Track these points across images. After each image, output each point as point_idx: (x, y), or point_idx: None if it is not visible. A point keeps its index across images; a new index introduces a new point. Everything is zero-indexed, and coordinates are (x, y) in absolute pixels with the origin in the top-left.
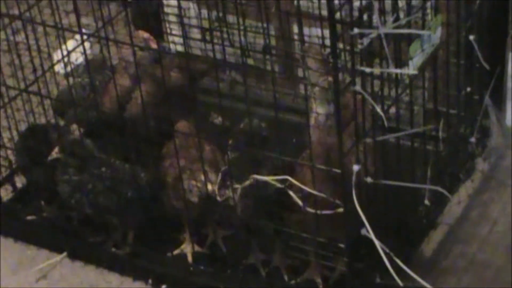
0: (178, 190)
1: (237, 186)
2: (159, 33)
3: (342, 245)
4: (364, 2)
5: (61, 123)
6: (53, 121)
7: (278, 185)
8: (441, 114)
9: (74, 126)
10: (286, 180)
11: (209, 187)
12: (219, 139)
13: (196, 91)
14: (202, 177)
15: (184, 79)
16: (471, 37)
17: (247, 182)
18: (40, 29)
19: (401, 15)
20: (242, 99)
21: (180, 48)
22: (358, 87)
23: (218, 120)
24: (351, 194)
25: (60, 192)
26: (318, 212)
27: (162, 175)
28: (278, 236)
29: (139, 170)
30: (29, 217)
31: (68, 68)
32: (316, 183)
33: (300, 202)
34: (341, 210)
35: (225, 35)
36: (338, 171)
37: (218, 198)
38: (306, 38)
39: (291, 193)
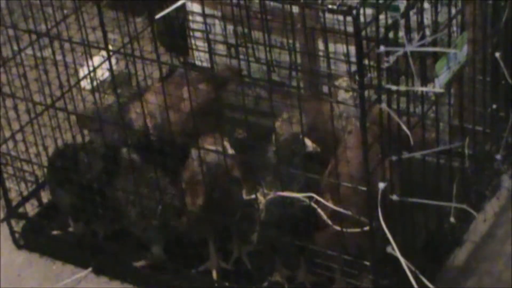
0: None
1: (261, 198)
2: (184, 49)
3: (367, 263)
4: (390, 20)
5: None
6: (79, 137)
7: (305, 200)
8: (467, 131)
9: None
10: (312, 196)
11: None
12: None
13: (222, 106)
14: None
15: (210, 94)
16: (497, 54)
17: (271, 196)
18: (66, 45)
19: (427, 32)
20: (267, 115)
21: (206, 64)
22: (384, 105)
23: (242, 135)
24: (377, 211)
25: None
26: (344, 230)
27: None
28: (303, 252)
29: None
30: (54, 232)
31: (94, 84)
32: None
33: (328, 220)
34: (367, 227)
35: (250, 51)
36: (364, 188)
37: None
38: (331, 55)
39: (319, 210)
